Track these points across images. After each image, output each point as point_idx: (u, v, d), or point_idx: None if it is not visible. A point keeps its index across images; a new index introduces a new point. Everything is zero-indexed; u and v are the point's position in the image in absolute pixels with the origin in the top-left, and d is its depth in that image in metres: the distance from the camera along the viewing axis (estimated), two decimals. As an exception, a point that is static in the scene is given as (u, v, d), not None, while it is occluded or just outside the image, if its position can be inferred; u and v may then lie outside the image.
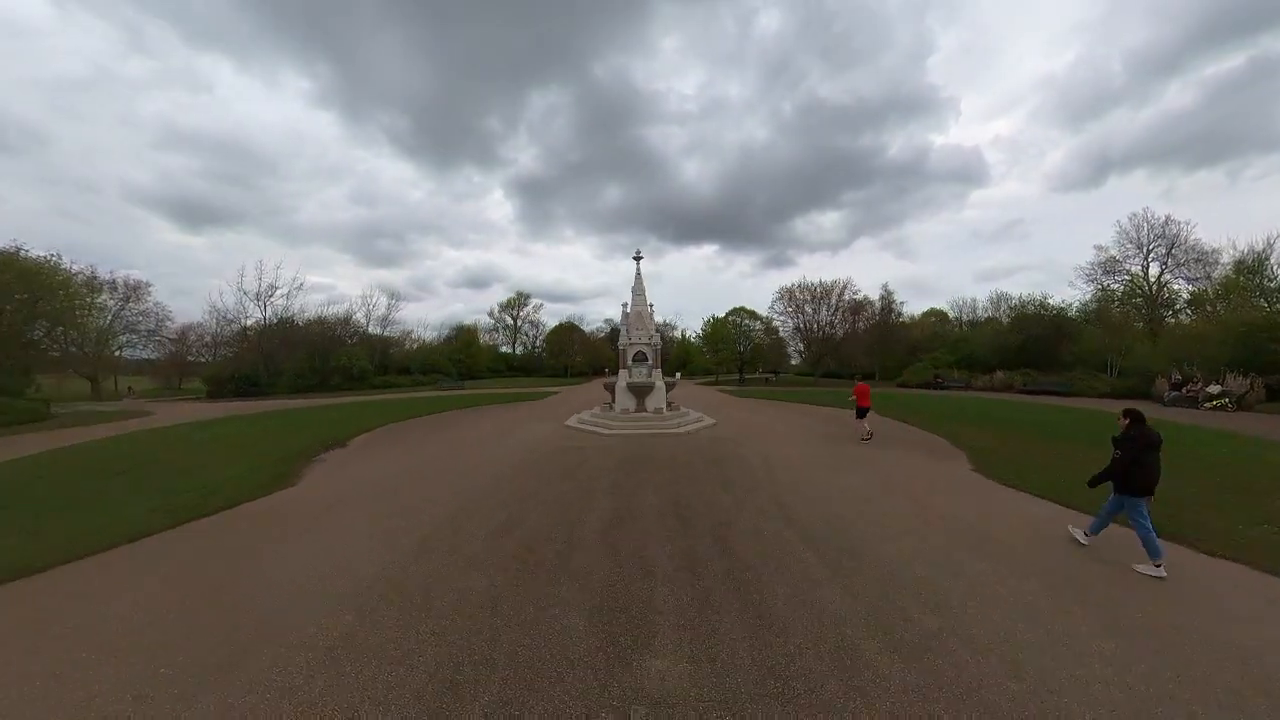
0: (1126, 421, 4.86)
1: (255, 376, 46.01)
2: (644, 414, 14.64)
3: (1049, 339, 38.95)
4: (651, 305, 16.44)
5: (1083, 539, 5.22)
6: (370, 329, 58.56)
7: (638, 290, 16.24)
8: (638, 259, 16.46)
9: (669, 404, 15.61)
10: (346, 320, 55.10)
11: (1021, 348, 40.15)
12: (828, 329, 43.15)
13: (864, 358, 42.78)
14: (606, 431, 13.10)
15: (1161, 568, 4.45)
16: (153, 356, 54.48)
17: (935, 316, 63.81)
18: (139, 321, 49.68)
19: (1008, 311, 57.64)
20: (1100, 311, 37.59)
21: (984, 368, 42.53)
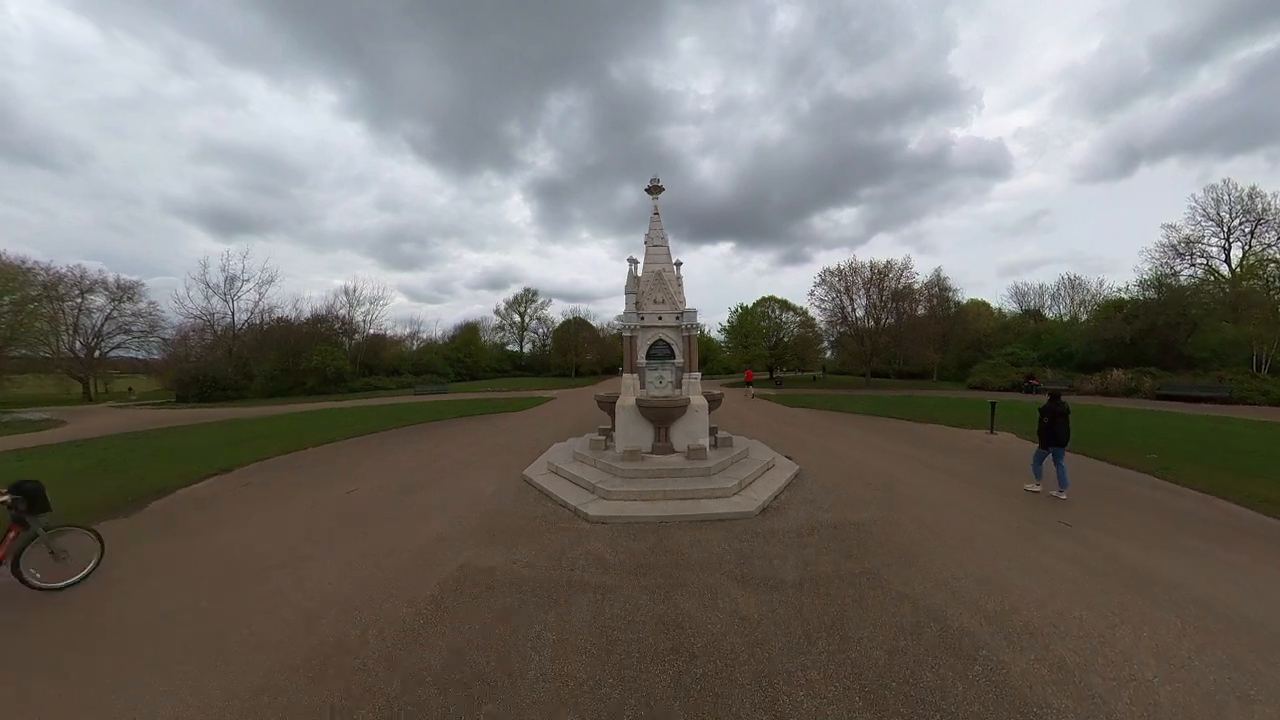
0: (1050, 399, 7.40)
1: (222, 379, 40.76)
2: (669, 459, 7.79)
3: (1173, 330, 30.85)
4: (679, 264, 9.57)
5: (1034, 487, 7.36)
6: (363, 325, 52.72)
7: (655, 239, 9.37)
8: (654, 191, 9.57)
9: (713, 434, 8.72)
10: (323, 318, 49.15)
11: (1133, 341, 32.11)
12: (882, 318, 35.62)
13: (931, 352, 35.11)
14: (591, 511, 6.25)
15: (1064, 495, 6.96)
16: (156, 357, 49.61)
17: (977, 308, 55.41)
18: (132, 323, 45.27)
19: (1088, 301, 49.38)
20: (1244, 295, 29.43)
21: (1081, 366, 34.67)
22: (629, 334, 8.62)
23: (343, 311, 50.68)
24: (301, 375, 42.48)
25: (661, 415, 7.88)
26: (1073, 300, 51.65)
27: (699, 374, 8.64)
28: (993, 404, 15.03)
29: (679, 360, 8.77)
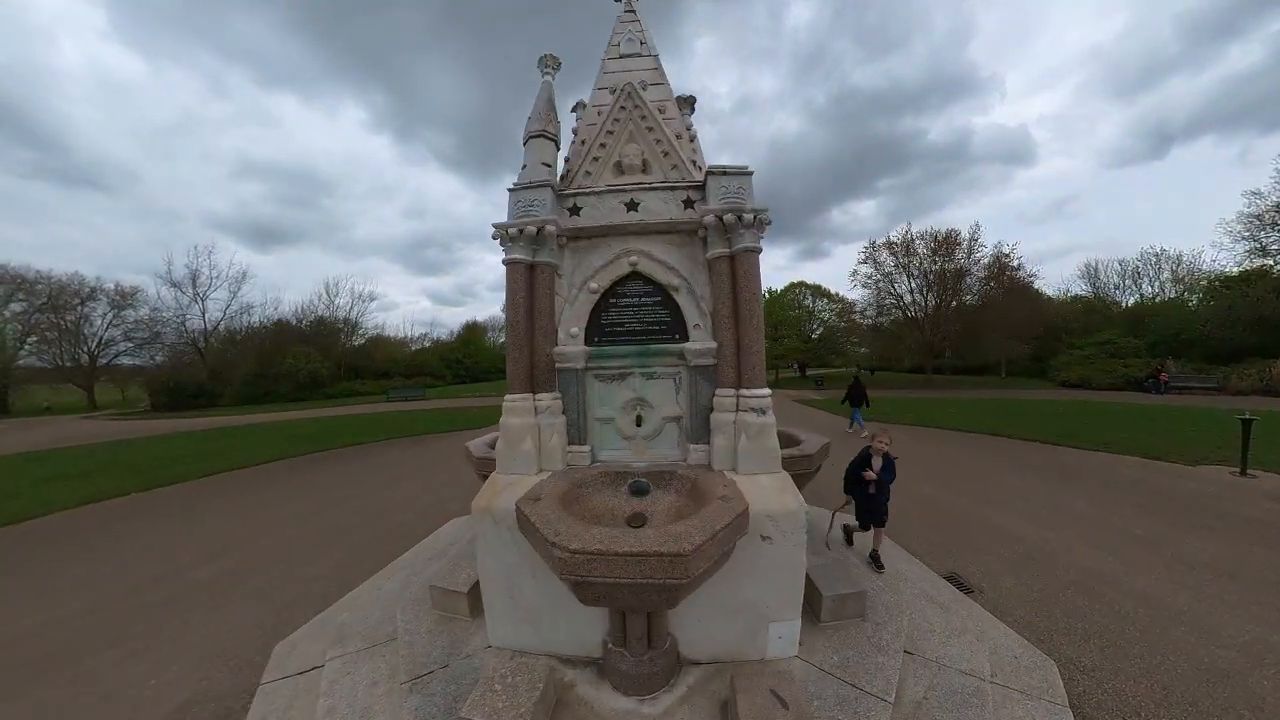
0: (854, 380, 13.01)
1: (192, 385, 36.66)
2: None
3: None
4: (692, 103, 3.67)
5: (851, 430, 12.17)
6: (353, 323, 48.15)
7: (626, 47, 3.43)
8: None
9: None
10: (319, 320, 44.60)
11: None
12: (945, 301, 28.80)
13: (1017, 343, 28.12)
14: None
15: (858, 430, 12.07)
16: (167, 363, 45.87)
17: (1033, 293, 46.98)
18: (135, 329, 42.53)
19: (1184, 278, 41.10)
20: None
21: (1208, 356, 27.31)
22: (520, 259, 2.56)
23: (324, 312, 45.91)
24: (274, 380, 37.97)
25: (628, 592, 1.65)
26: (1162, 277, 43.29)
27: (768, 391, 2.49)
28: (1246, 420, 8.61)
29: (698, 344, 2.68)
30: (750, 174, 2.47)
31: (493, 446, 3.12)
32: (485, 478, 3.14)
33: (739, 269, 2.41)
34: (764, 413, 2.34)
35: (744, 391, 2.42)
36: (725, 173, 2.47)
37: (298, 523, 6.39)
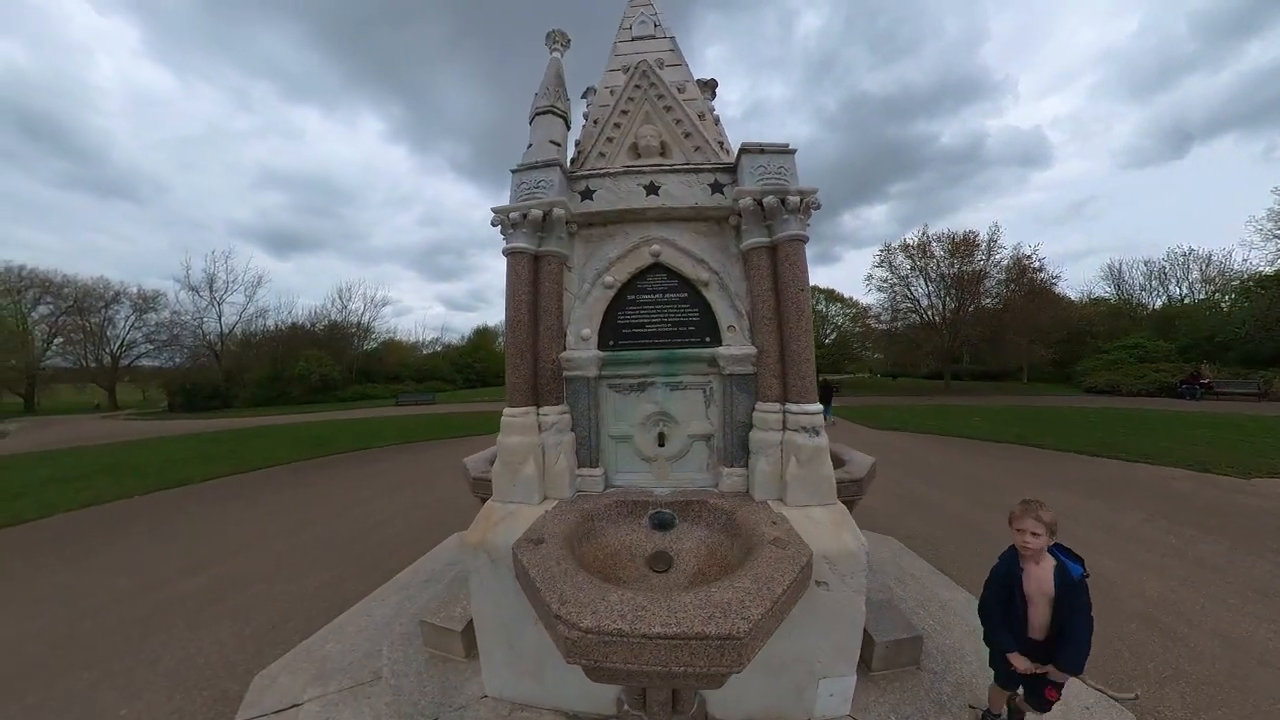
0: (823, 382, 11.08)
1: (210, 387, 37.19)
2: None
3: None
4: (714, 86, 3.32)
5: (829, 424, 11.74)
6: (365, 327, 48.58)
7: (637, 28, 3.09)
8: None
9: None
10: (335, 325, 45.04)
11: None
12: (965, 304, 28.02)
13: (1041, 348, 27.24)
14: None
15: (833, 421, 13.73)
16: (185, 365, 46.87)
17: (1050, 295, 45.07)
18: (156, 332, 43.44)
19: (1214, 279, 39.58)
20: None
21: (1245, 360, 26.16)
22: (523, 248, 2.21)
23: (337, 317, 46.32)
24: (287, 383, 38.34)
25: (656, 679, 1.12)
26: (1191, 277, 41.67)
27: (819, 406, 2.09)
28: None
29: (735, 349, 2.28)
30: (793, 152, 2.11)
31: (492, 464, 2.77)
32: (485, 500, 2.80)
33: (782, 261, 2.06)
34: (816, 433, 1.97)
35: (791, 407, 2.06)
36: (763, 150, 2.11)
37: (295, 531, 6.14)
